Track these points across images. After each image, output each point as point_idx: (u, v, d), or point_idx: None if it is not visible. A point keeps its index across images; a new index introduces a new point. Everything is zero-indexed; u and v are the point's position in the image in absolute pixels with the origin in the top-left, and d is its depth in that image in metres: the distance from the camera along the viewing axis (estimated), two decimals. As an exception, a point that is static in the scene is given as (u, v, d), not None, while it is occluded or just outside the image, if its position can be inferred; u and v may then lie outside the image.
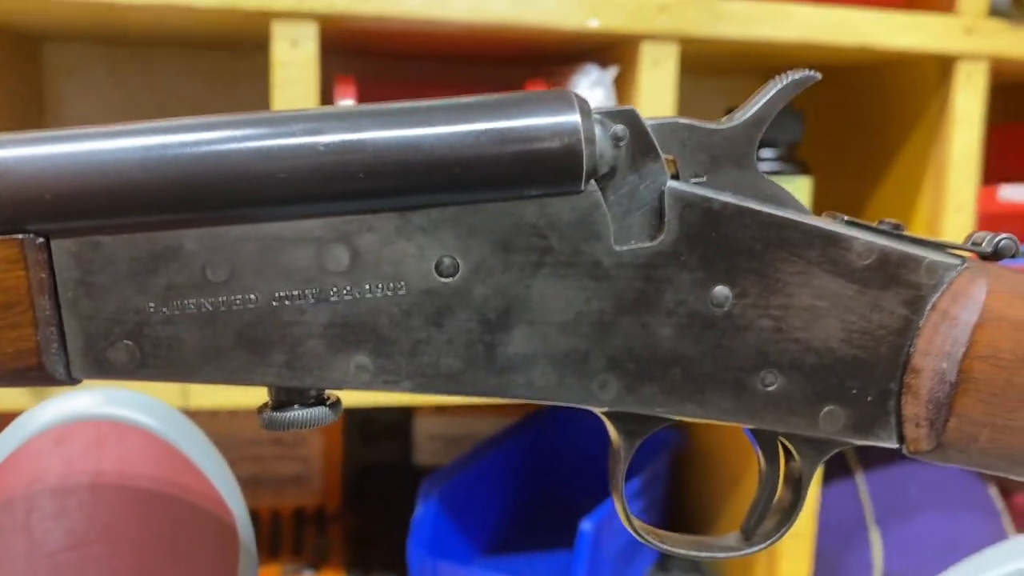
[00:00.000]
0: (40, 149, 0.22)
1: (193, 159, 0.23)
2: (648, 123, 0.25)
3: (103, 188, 0.22)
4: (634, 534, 0.28)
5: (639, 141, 0.25)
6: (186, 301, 0.23)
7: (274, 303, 0.23)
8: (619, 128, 0.25)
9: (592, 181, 0.24)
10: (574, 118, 0.24)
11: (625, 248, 0.25)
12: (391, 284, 0.24)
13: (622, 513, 0.27)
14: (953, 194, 0.73)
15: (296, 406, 0.24)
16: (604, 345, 0.25)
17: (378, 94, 0.69)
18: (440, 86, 0.78)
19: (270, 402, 0.25)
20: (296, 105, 0.60)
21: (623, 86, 0.68)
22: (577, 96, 0.24)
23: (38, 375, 0.23)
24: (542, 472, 0.90)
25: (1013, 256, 0.27)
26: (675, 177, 0.25)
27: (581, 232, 0.24)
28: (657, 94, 0.65)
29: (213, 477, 0.35)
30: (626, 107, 0.25)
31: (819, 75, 0.26)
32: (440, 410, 0.95)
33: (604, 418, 0.27)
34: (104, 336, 0.23)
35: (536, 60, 0.77)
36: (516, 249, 0.24)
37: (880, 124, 0.83)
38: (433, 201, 0.24)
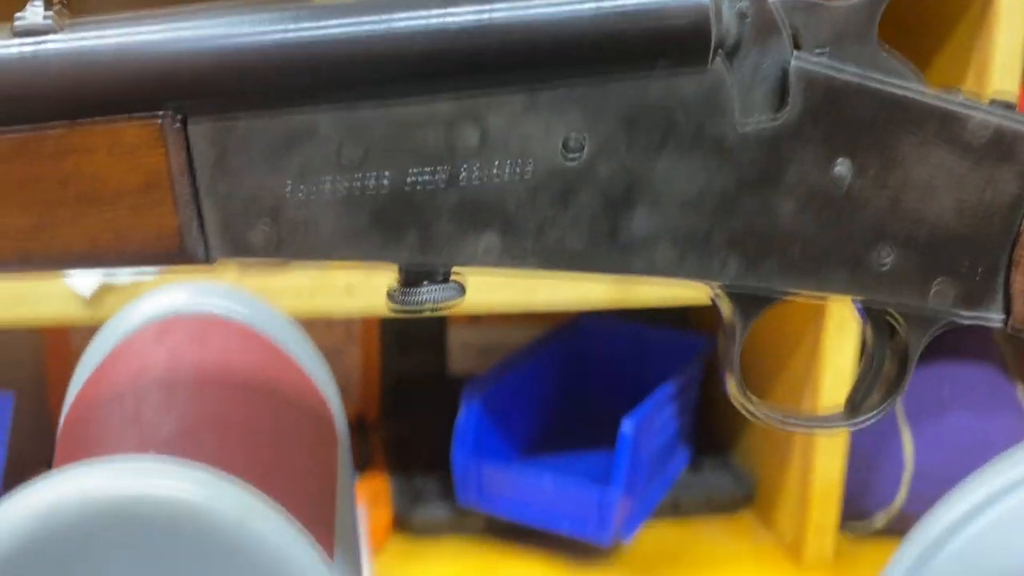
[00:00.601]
0: (178, 28, 0.22)
1: (327, 40, 0.23)
2: None
3: (240, 68, 0.22)
4: (751, 412, 0.28)
5: (763, 16, 0.25)
6: (322, 181, 0.23)
7: (407, 183, 0.24)
8: (744, 4, 0.25)
9: (717, 58, 0.24)
10: None
11: (748, 125, 0.25)
12: (519, 163, 0.24)
13: (738, 391, 0.28)
14: (996, 95, 0.73)
15: (426, 284, 0.25)
16: (726, 223, 0.25)
17: None
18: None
19: (400, 282, 0.25)
20: None
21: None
22: None
23: (179, 255, 0.23)
24: (576, 378, 0.91)
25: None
26: (797, 51, 0.25)
27: (705, 109, 0.24)
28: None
29: (311, 371, 0.36)
30: None
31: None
32: (473, 320, 0.96)
33: (720, 295, 0.27)
34: (242, 217, 0.23)
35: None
36: (641, 127, 0.24)
37: (919, 22, 0.82)
38: (559, 78, 0.24)
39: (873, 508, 0.82)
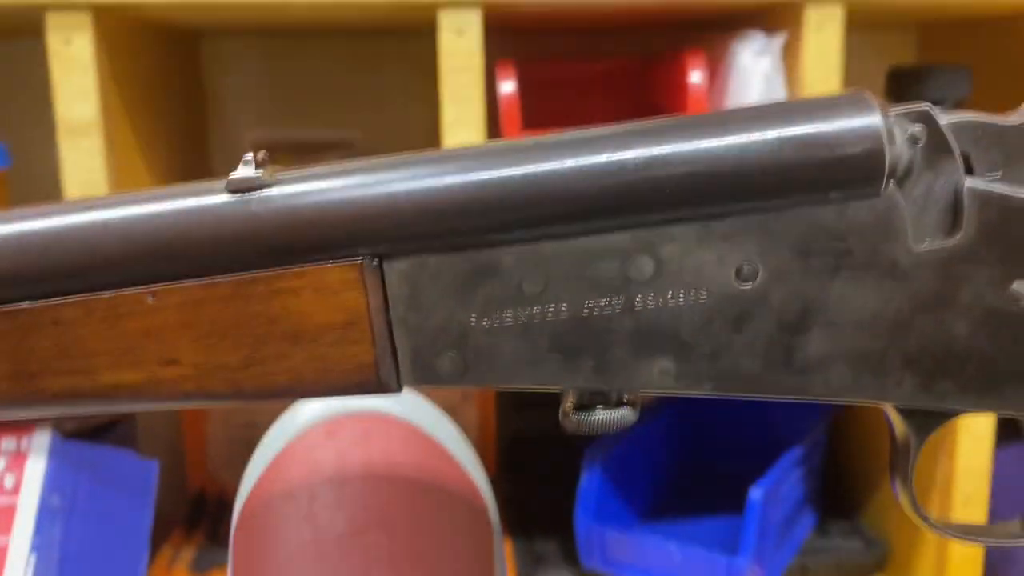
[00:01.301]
0: (375, 178, 0.24)
1: (510, 182, 0.24)
2: (943, 120, 0.25)
3: (431, 212, 0.24)
4: (925, 525, 0.28)
5: (935, 140, 0.25)
6: (504, 313, 0.24)
7: (584, 312, 0.25)
8: (917, 128, 0.25)
9: (891, 184, 0.25)
10: (875, 120, 0.24)
11: (922, 247, 0.25)
12: (692, 291, 0.25)
13: (909, 505, 0.28)
14: None
15: (600, 407, 0.26)
16: (900, 344, 0.25)
17: (538, 73, 0.70)
18: (596, 58, 0.78)
19: (572, 405, 0.26)
20: (461, 92, 0.61)
21: (787, 52, 0.66)
22: (874, 96, 0.25)
23: (374, 386, 0.25)
24: (697, 441, 0.91)
25: None
26: (969, 174, 0.25)
27: (879, 234, 0.25)
28: (823, 59, 0.64)
29: (466, 465, 0.37)
30: (922, 106, 0.25)
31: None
32: (590, 379, 0.96)
33: (895, 413, 0.27)
34: (431, 347, 0.25)
35: (688, 27, 0.77)
36: (815, 253, 0.25)
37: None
38: (734, 210, 0.24)
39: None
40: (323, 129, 0.85)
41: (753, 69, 0.65)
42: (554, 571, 0.84)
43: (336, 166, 0.25)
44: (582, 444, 0.78)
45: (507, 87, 0.66)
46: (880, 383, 0.26)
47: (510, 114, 0.64)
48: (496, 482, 0.98)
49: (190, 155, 0.82)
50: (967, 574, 0.77)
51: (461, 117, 0.61)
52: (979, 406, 0.26)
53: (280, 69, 0.84)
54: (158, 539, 0.69)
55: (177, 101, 0.77)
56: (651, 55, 0.75)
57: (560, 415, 0.26)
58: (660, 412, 0.87)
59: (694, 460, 0.90)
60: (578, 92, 0.76)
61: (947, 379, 0.26)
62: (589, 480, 0.79)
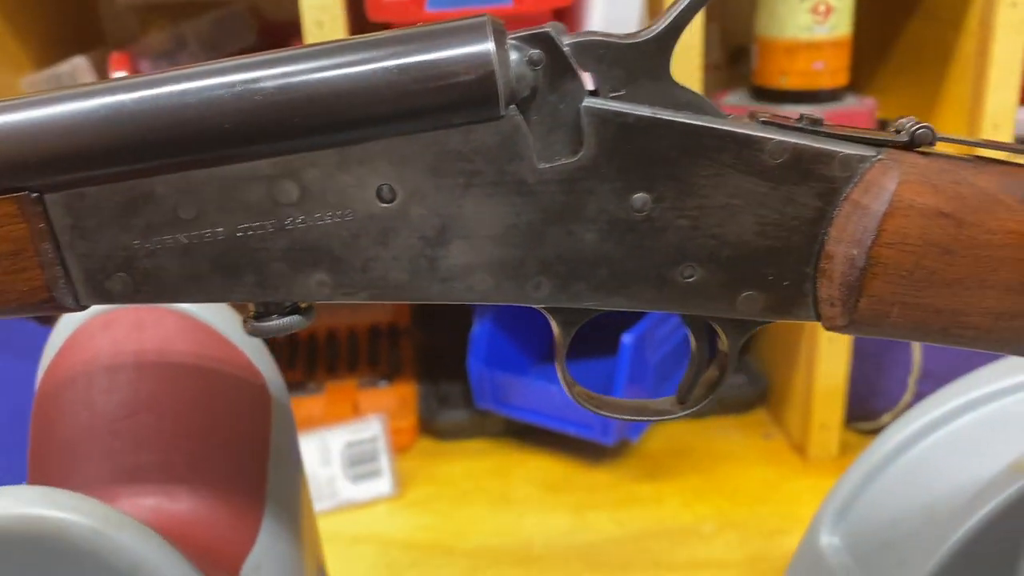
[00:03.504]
0: (21, 117, 0.26)
1: (150, 115, 0.26)
2: (565, 41, 0.26)
3: (78, 147, 0.26)
4: (575, 400, 0.32)
5: (556, 62, 0.26)
6: (164, 237, 0.27)
7: (238, 233, 0.27)
8: (535, 52, 0.26)
9: (512, 105, 0.26)
10: (487, 47, 0.25)
11: (548, 165, 0.27)
12: (338, 212, 0.27)
13: (565, 384, 0.31)
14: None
15: (275, 316, 0.29)
16: (535, 252, 0.28)
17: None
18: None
19: (252, 313, 0.29)
20: None
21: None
22: (492, 22, 0.26)
23: (52, 305, 0.27)
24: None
25: (930, 144, 0.27)
26: (593, 93, 0.27)
27: (505, 154, 0.27)
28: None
29: (243, 347, 0.40)
30: (541, 29, 0.26)
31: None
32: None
33: (543, 311, 0.30)
34: (101, 270, 0.27)
35: None
36: (446, 174, 0.27)
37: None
38: (364, 136, 0.26)
39: (880, 408, 0.84)
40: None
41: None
42: (453, 411, 0.90)
43: None
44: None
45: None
46: (520, 287, 0.28)
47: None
48: (409, 332, 1.02)
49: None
50: (831, 406, 0.82)
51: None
52: (611, 304, 0.29)
53: None
54: None
55: None
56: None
57: (242, 322, 0.29)
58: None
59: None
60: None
61: (580, 281, 0.28)
62: (480, 328, 0.83)
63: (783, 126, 0.27)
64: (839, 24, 0.74)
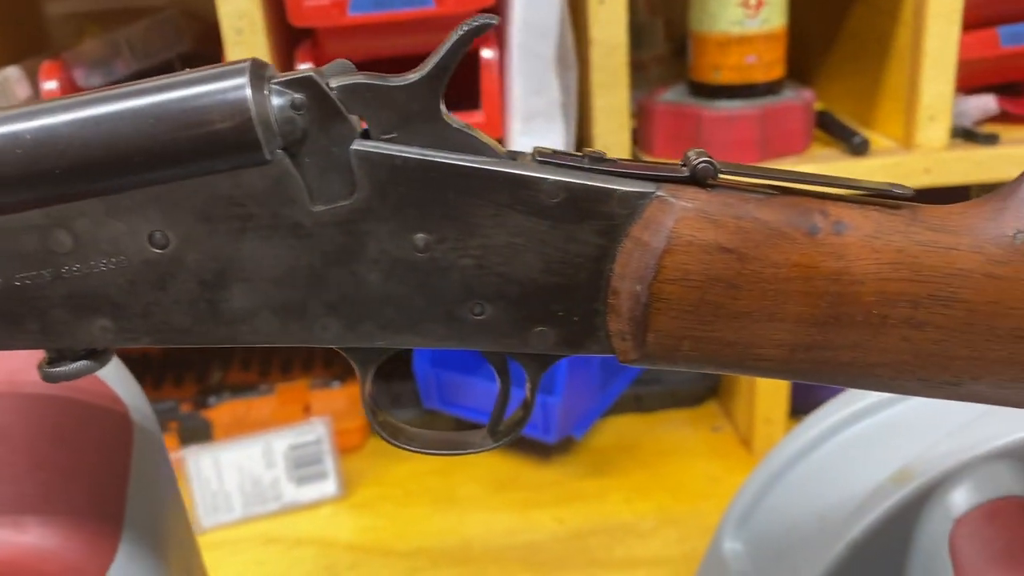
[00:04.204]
0: None
1: None
2: (333, 85, 0.26)
3: None
4: (377, 431, 0.31)
5: (322, 106, 0.26)
6: None
7: (16, 282, 0.27)
8: (298, 97, 0.26)
9: (280, 150, 0.26)
10: (242, 94, 0.25)
11: (326, 207, 0.27)
12: (113, 259, 0.27)
13: (369, 413, 0.31)
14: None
15: (68, 361, 0.29)
16: (319, 293, 0.28)
17: None
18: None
19: (44, 360, 0.29)
20: None
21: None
22: (253, 68, 0.26)
23: None
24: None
25: (713, 178, 0.27)
26: (366, 136, 0.27)
27: (277, 198, 0.26)
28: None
29: (104, 376, 0.40)
30: (305, 73, 0.26)
31: (496, 19, 0.26)
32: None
33: (339, 351, 0.30)
34: None
35: None
36: (218, 218, 0.27)
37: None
38: (127, 184, 0.26)
39: (824, 402, 0.84)
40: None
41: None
42: (403, 410, 0.90)
43: None
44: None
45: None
46: (307, 329, 0.28)
47: None
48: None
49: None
50: (774, 400, 0.82)
51: None
52: (402, 343, 0.29)
53: None
54: None
55: None
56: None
57: (38, 368, 0.29)
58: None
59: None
60: None
61: (368, 321, 0.28)
62: (423, 329, 0.83)
63: (561, 165, 0.27)
64: (771, 17, 0.73)
